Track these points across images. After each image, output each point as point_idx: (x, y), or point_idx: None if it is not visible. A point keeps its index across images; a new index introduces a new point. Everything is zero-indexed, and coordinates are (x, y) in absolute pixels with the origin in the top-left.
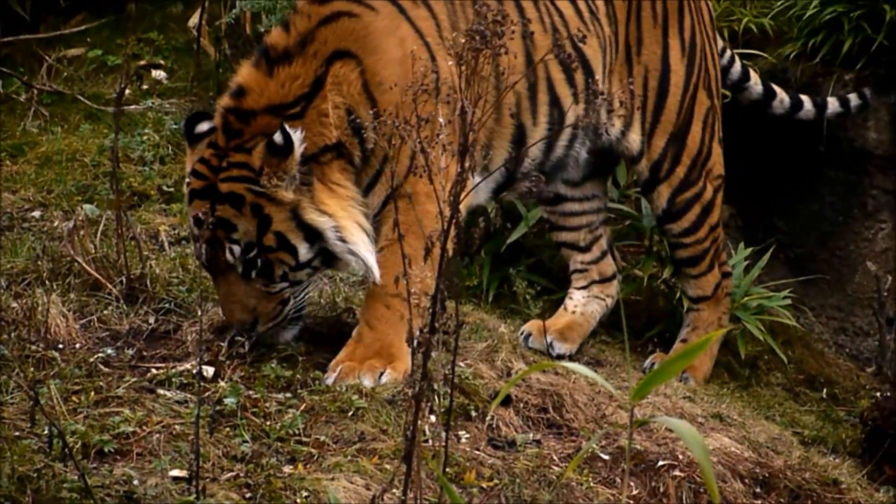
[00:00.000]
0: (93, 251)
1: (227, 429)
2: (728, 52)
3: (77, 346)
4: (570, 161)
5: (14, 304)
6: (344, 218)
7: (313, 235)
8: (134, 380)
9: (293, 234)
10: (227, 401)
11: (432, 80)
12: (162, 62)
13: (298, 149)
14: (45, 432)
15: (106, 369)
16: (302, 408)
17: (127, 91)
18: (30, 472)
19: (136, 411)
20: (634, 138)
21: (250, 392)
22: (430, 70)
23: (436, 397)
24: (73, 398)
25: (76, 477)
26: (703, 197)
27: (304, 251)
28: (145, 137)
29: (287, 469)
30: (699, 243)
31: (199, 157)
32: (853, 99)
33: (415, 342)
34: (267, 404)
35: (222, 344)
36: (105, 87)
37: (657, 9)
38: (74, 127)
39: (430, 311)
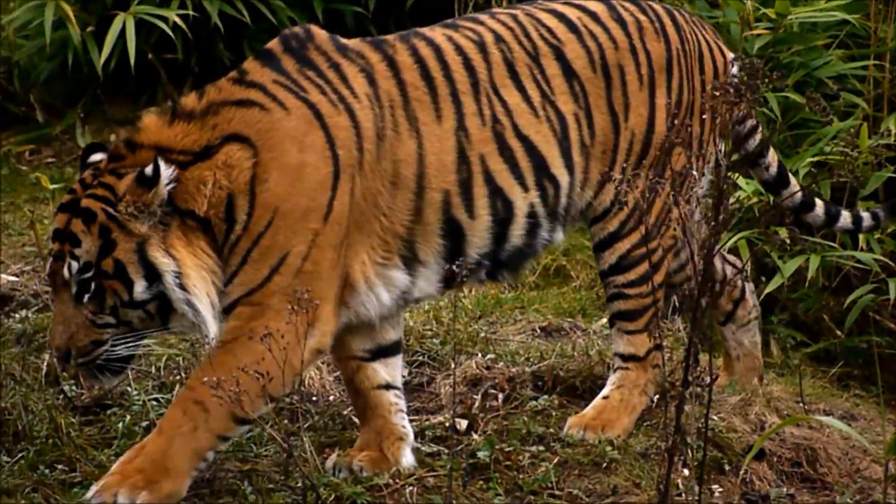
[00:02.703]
0: None
1: (481, 482)
2: (750, 122)
3: (331, 398)
4: (539, 247)
5: None
6: (190, 268)
7: (153, 275)
8: None
9: (133, 267)
10: (480, 454)
11: (327, 199)
12: None
13: (164, 185)
14: (299, 485)
15: (358, 421)
16: (555, 461)
17: None
18: None
19: None
20: (605, 199)
21: (503, 445)
22: (326, 188)
23: (689, 451)
24: (327, 450)
25: None
26: (654, 254)
27: (139, 289)
28: None
29: None
30: (641, 297)
31: (78, 179)
32: (866, 219)
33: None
34: (520, 457)
35: (476, 397)
36: None
37: (643, 70)
38: None
39: (684, 364)
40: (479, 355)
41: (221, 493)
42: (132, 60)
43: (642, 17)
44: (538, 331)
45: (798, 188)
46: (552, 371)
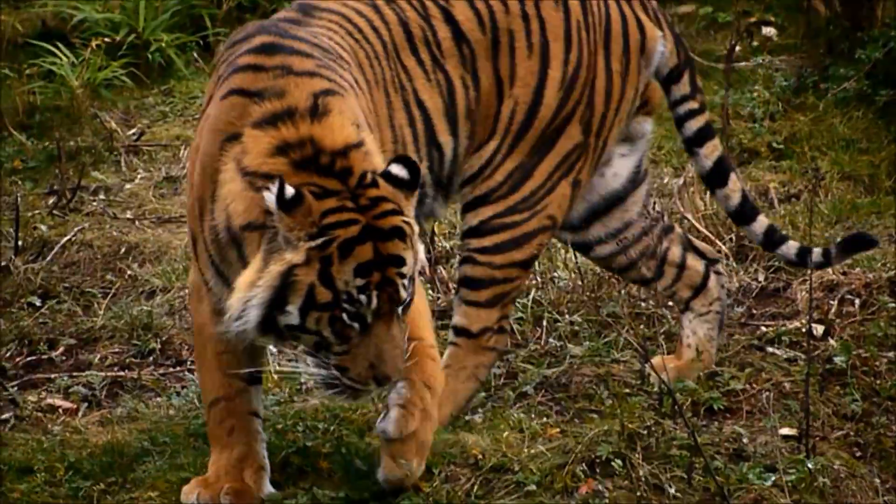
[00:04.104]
0: (702, 208)
1: (837, 387)
2: (691, 104)
3: None
4: (421, 221)
5: None
6: None
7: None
8: (744, 337)
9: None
10: (836, 359)
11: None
12: (772, 19)
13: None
14: (656, 390)
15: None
16: None
17: (737, 48)
18: (639, 428)
19: (746, 369)
20: (476, 163)
21: (860, 350)
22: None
23: None
24: None
25: (685, 434)
26: (520, 227)
27: None
28: (755, 94)
29: None
30: (490, 267)
31: (325, 209)
32: (816, 255)
33: None
34: (877, 363)
35: (832, 302)
36: (715, 43)
37: (533, 39)
38: None
39: None
40: None
41: (577, 398)
42: None
43: None
44: (895, 236)
45: (738, 191)
46: None
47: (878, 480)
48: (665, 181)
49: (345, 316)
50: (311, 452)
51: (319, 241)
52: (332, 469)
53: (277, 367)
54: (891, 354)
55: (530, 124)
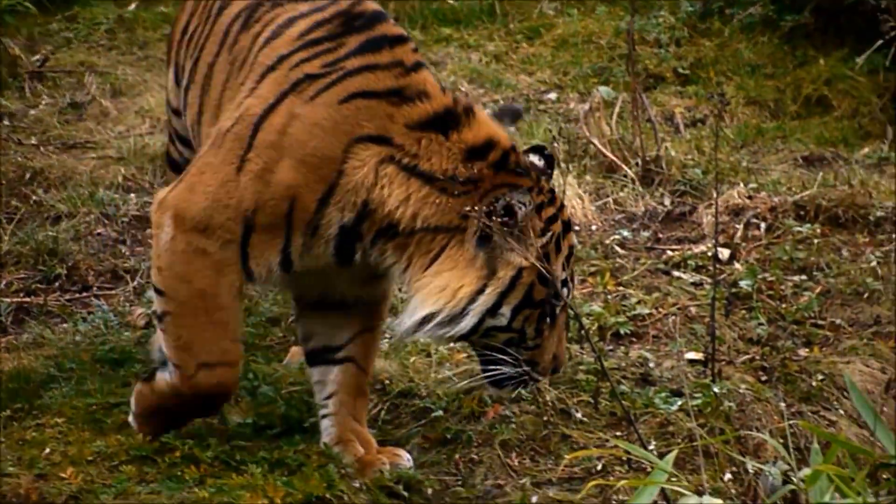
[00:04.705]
0: (608, 133)
1: (743, 311)
2: None
3: (593, 227)
4: None
5: None
6: None
7: None
8: (650, 261)
9: None
10: (742, 283)
11: None
12: None
13: None
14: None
15: (622, 251)
16: (817, 290)
17: None
18: None
19: (652, 293)
20: None
21: (766, 274)
22: None
23: None
24: (590, 280)
25: (592, 359)
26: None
27: None
28: (661, 20)
29: (802, 352)
30: None
31: (536, 204)
32: None
33: None
34: (782, 287)
35: (738, 226)
36: None
37: None
38: (591, 9)
39: None
40: (741, 185)
41: None
42: None
43: None
44: (800, 160)
45: None
46: (814, 200)
47: (783, 404)
48: (571, 106)
49: (548, 309)
50: None
51: (545, 238)
52: (240, 395)
53: None
54: (796, 278)
55: None
